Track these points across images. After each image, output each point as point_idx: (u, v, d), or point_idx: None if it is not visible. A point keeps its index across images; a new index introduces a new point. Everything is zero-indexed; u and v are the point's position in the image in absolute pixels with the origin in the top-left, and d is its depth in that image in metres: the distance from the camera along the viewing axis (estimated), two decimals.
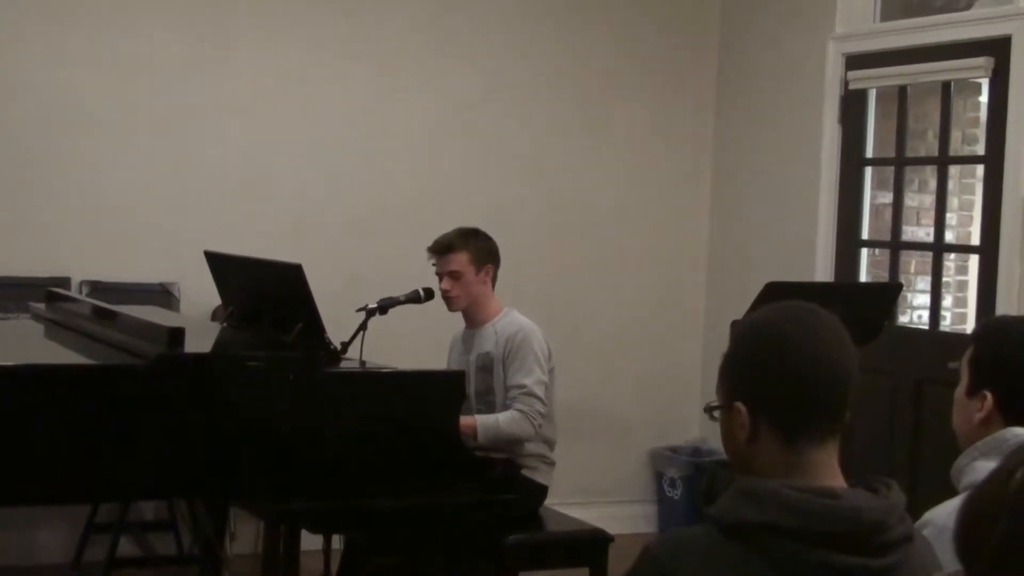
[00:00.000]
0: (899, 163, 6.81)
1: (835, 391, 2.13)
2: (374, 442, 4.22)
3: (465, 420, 4.80)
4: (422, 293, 5.28)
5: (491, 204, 7.07)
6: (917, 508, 2.24)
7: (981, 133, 6.58)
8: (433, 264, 5.38)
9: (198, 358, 4.25)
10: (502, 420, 5.14)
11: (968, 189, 7.15)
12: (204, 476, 4.08)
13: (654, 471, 7.70)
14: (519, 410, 5.16)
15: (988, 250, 6.18)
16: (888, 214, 6.89)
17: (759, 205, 7.48)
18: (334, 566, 5.10)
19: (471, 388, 5.27)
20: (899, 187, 6.79)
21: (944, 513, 2.61)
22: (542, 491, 5.33)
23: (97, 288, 6.29)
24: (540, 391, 5.20)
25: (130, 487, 4.17)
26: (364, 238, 6.94)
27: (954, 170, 6.92)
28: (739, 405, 2.15)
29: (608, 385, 7.58)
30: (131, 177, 6.52)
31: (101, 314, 4.82)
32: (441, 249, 5.34)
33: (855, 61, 6.89)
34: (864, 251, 7.01)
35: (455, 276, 5.31)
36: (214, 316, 6.07)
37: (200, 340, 4.67)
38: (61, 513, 6.36)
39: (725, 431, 2.20)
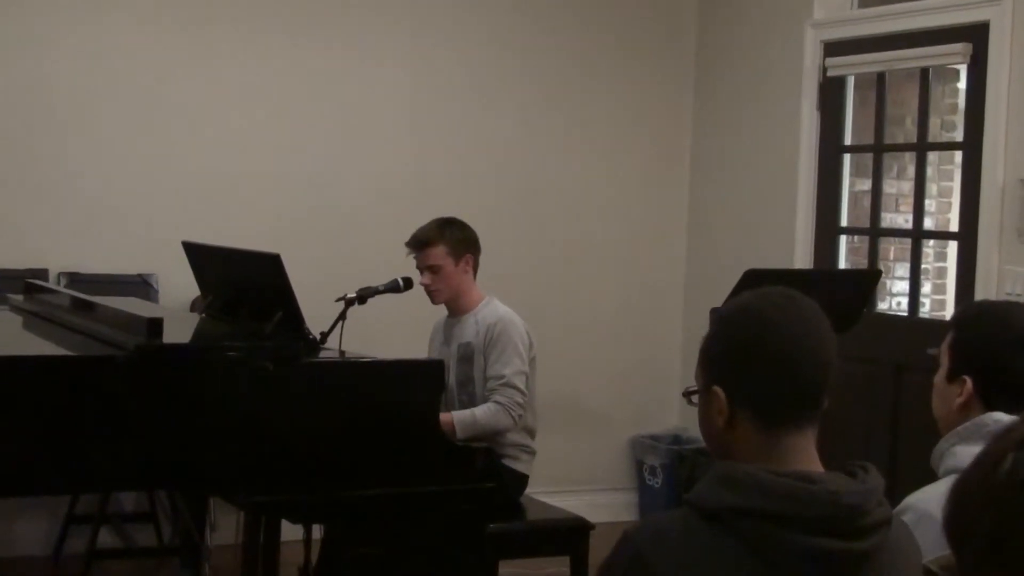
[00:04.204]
0: (878, 150, 6.82)
1: (814, 376, 2.12)
2: (354, 432, 4.22)
3: (442, 417, 4.78)
4: (401, 282, 5.25)
5: (469, 192, 7.06)
6: (896, 493, 2.24)
7: (959, 119, 6.59)
8: (413, 258, 5.35)
9: (177, 348, 4.24)
10: (479, 414, 5.12)
11: (947, 176, 7.16)
12: (184, 467, 4.08)
13: (634, 459, 7.71)
14: (497, 402, 5.14)
15: (967, 236, 6.19)
16: (867, 201, 6.90)
17: (738, 193, 7.48)
18: (314, 556, 5.10)
19: (452, 379, 5.25)
20: (878, 174, 6.80)
21: (924, 498, 2.62)
22: (523, 480, 5.32)
23: (75, 280, 6.26)
24: (519, 382, 5.18)
25: (110, 478, 4.17)
26: (343, 227, 6.92)
27: (933, 157, 6.93)
28: (717, 389, 2.14)
29: (588, 374, 7.58)
30: (109, 168, 6.50)
31: (80, 305, 4.81)
32: (418, 244, 5.30)
33: (833, 48, 6.89)
34: (843, 238, 7.02)
35: (435, 270, 5.28)
36: (193, 307, 6.06)
37: (179, 331, 4.66)
38: (41, 505, 6.35)
39: (703, 416, 2.19)
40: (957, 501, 1.55)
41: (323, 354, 4.48)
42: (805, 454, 2.12)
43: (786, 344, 2.11)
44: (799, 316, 2.14)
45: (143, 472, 4.09)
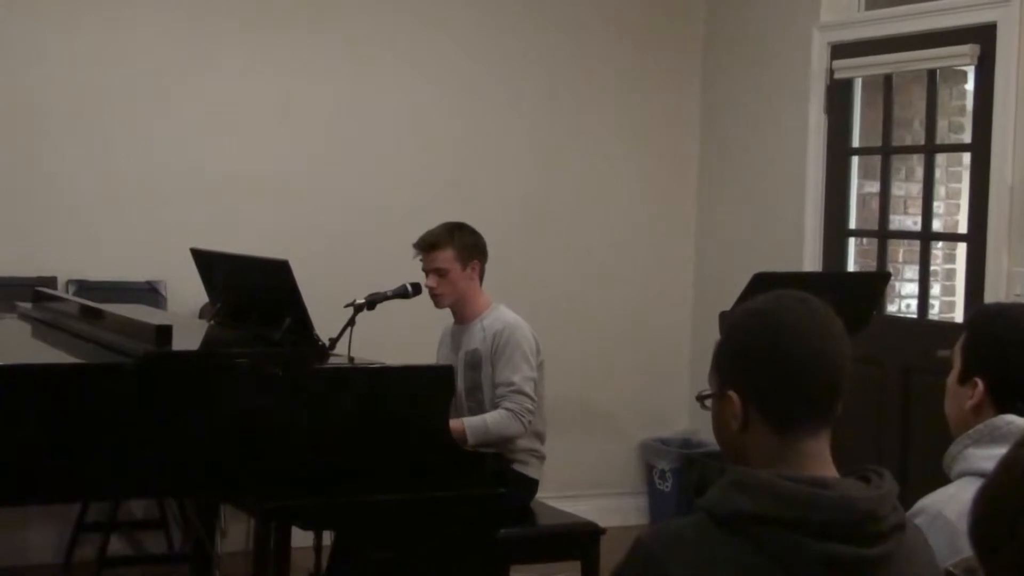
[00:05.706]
0: (885, 152, 6.81)
1: (828, 380, 2.12)
2: (363, 438, 4.22)
3: (452, 424, 4.76)
4: (409, 288, 5.25)
5: (476, 197, 7.06)
6: (907, 496, 2.23)
7: (967, 121, 6.59)
8: (420, 260, 5.35)
9: (186, 356, 4.24)
10: (490, 421, 5.11)
11: (955, 177, 7.16)
12: (194, 474, 4.07)
13: (644, 463, 7.70)
14: (508, 408, 5.13)
15: (975, 238, 6.18)
16: (875, 203, 6.89)
17: (746, 196, 7.47)
18: (325, 562, 5.09)
19: (460, 385, 5.25)
20: (886, 176, 6.79)
21: (937, 501, 2.61)
22: (533, 485, 5.32)
23: (84, 287, 6.26)
24: (528, 388, 5.18)
25: (120, 486, 4.16)
26: (351, 233, 6.92)
27: (941, 158, 6.92)
28: (731, 394, 2.14)
29: (597, 378, 7.57)
30: (116, 175, 6.50)
31: (88, 313, 4.81)
32: (426, 246, 5.30)
33: (840, 50, 6.88)
34: (852, 241, 7.02)
35: (441, 273, 5.27)
36: (202, 314, 6.06)
37: (188, 337, 4.66)
38: (51, 513, 6.34)
39: (717, 420, 2.19)
40: (985, 508, 1.53)
41: (332, 360, 4.48)
42: (819, 459, 2.12)
43: (801, 348, 2.11)
44: (813, 319, 2.14)
45: (153, 479, 4.08)
